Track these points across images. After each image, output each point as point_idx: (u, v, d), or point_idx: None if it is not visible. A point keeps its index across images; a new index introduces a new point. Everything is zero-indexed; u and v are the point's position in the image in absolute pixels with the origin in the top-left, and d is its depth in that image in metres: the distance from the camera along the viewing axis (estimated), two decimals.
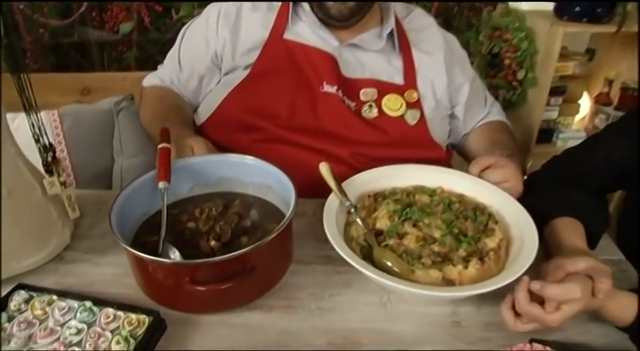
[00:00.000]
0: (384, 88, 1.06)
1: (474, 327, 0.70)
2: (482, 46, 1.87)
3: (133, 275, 0.73)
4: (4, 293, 0.70)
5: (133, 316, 0.66)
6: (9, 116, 0.76)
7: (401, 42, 1.08)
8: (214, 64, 1.11)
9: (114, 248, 0.81)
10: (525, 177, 0.93)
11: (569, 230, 0.78)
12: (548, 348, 0.63)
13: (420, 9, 1.18)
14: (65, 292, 0.70)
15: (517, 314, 0.65)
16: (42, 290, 0.70)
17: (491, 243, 0.75)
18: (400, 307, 0.73)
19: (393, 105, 1.05)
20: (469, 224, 0.79)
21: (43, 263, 0.78)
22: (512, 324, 0.65)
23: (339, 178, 0.84)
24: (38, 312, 0.67)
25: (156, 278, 0.69)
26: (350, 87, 1.05)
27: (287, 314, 0.71)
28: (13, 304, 0.68)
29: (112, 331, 0.64)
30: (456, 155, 1.22)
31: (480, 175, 0.89)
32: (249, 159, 0.85)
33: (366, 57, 1.08)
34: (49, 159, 0.76)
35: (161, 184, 0.76)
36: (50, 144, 0.76)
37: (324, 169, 0.84)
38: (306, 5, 1.05)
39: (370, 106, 1.04)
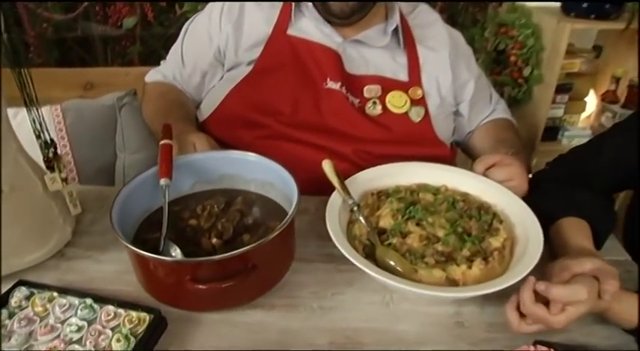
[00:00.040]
0: (388, 85, 1.05)
1: (478, 327, 0.69)
2: (488, 43, 1.86)
3: (134, 272, 0.72)
4: (4, 290, 0.70)
5: (134, 313, 0.66)
6: (12, 111, 0.76)
7: (405, 38, 1.07)
8: (217, 59, 1.10)
9: (115, 245, 0.80)
10: (530, 176, 0.92)
11: (575, 230, 0.78)
12: (552, 350, 0.62)
13: (425, 5, 1.17)
14: (66, 289, 0.70)
15: (522, 315, 0.65)
16: (43, 287, 0.70)
17: (495, 243, 0.74)
18: (403, 307, 0.72)
19: (397, 102, 1.04)
20: (473, 223, 0.78)
21: (44, 260, 0.78)
22: (516, 324, 0.65)
23: (342, 176, 0.83)
24: (39, 309, 0.67)
25: (157, 276, 0.68)
26: (354, 83, 1.04)
27: (288, 313, 0.71)
28: (13, 301, 0.68)
29: (112, 329, 0.64)
30: (460, 153, 1.21)
31: (484, 174, 0.88)
32: (252, 156, 0.84)
33: (370, 53, 1.06)
34: (51, 155, 0.76)
35: (163, 181, 0.76)
36: (51, 140, 0.76)
37: (327, 166, 0.84)
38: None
39: (374, 102, 1.03)
